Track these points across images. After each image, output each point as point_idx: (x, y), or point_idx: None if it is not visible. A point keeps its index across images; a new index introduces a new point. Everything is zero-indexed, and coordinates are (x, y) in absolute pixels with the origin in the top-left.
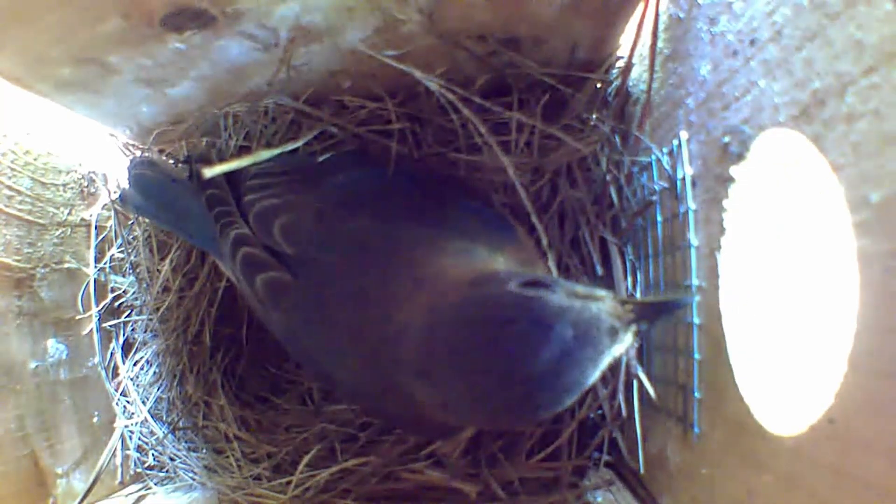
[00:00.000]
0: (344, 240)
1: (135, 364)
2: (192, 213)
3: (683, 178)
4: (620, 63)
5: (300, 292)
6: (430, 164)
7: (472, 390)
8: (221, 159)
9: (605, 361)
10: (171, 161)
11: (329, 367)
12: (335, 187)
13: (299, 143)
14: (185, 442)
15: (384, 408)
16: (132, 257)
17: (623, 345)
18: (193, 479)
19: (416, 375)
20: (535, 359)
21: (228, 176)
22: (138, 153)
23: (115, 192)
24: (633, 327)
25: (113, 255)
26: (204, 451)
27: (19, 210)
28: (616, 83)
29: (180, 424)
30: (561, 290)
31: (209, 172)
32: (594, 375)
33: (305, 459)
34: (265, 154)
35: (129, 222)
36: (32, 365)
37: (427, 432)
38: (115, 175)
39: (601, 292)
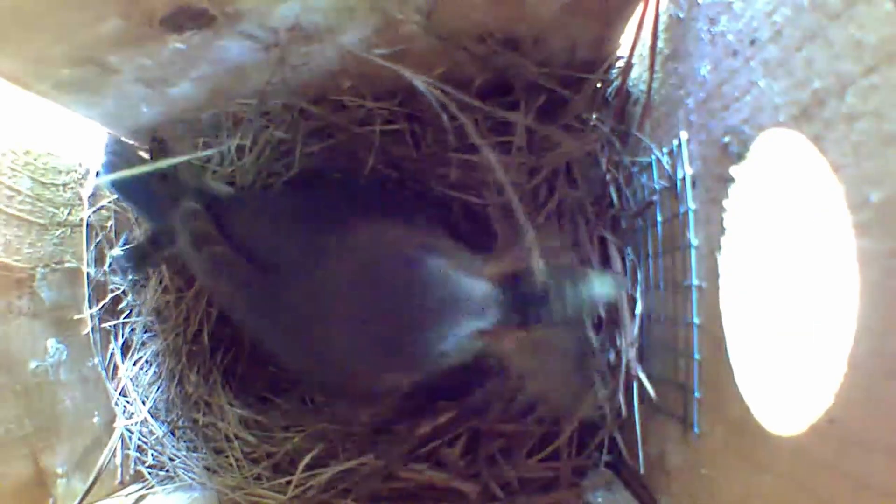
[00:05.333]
0: (295, 234)
1: (134, 364)
2: (154, 192)
3: (683, 178)
4: (620, 63)
5: (245, 270)
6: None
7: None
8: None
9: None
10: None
11: (271, 334)
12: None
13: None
14: (185, 442)
15: (316, 369)
16: None
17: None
18: (193, 479)
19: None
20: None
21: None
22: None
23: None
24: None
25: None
26: (204, 451)
27: (19, 210)
28: (616, 83)
29: (180, 424)
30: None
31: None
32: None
33: (305, 459)
34: (170, 160)
35: (129, 222)
36: (32, 365)
37: (351, 395)
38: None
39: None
